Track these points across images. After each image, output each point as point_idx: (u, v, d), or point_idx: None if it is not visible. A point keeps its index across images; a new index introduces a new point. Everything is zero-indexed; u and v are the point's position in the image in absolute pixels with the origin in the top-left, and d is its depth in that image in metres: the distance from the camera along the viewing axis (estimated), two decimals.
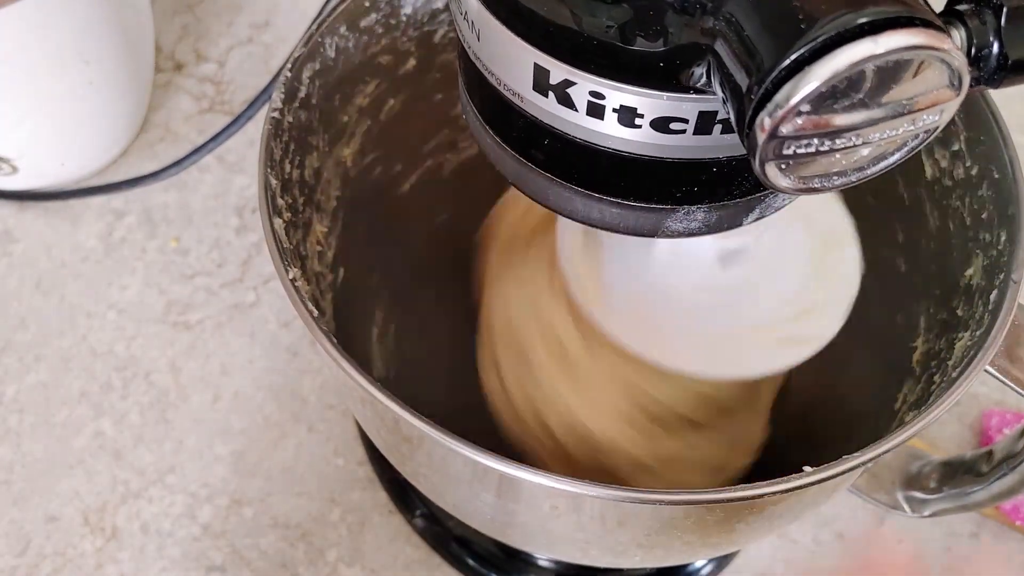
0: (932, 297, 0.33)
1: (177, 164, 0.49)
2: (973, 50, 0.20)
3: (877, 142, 0.19)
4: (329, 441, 0.47)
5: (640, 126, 0.22)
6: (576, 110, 0.22)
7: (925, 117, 0.19)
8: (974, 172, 0.33)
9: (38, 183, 0.53)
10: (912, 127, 0.19)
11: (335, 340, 0.28)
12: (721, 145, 0.22)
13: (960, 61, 0.18)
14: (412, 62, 0.39)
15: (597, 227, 0.26)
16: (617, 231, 0.25)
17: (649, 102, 0.21)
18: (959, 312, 0.32)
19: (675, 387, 0.33)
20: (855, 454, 0.26)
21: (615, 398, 0.34)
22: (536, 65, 0.22)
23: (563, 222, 0.34)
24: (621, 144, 0.22)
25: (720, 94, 0.19)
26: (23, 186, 0.53)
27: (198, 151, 0.48)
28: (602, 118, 0.22)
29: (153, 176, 0.50)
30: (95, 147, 0.53)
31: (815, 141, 0.18)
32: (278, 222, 0.31)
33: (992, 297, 0.30)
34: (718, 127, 0.22)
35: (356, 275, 0.41)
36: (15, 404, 0.47)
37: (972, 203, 0.33)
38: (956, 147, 0.33)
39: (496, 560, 0.44)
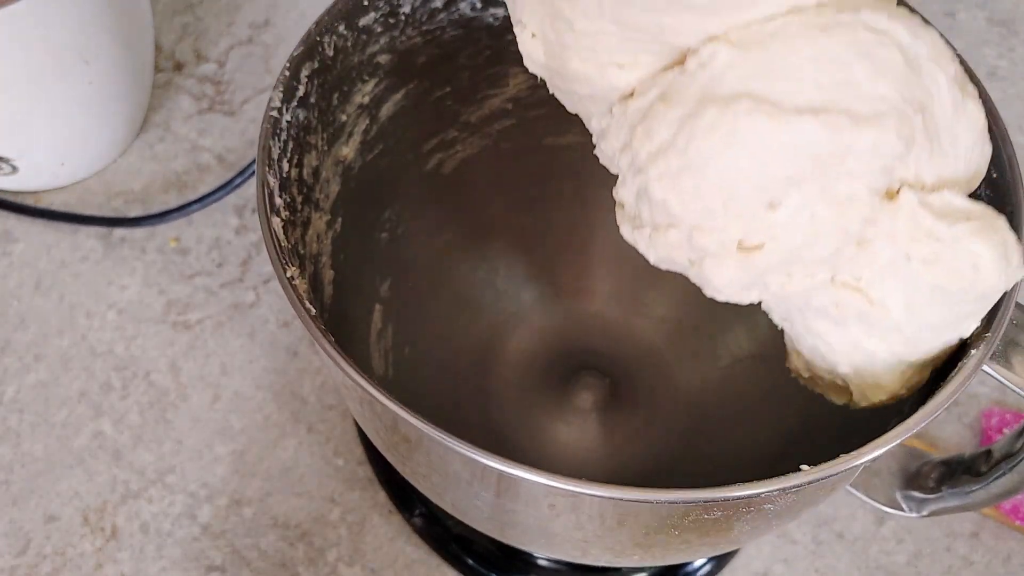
0: None
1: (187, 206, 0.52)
2: None
3: None
4: (329, 441, 0.47)
5: None
6: None
7: None
8: None
9: (38, 183, 0.53)
10: None
11: (333, 339, 0.28)
12: None
13: None
14: (411, 61, 0.39)
15: None
16: None
17: None
18: None
19: None
20: (853, 453, 0.26)
21: None
22: None
23: None
24: None
25: None
26: (23, 186, 0.53)
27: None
28: None
29: (160, 216, 0.52)
30: (95, 147, 0.53)
31: None
32: (276, 221, 0.31)
33: None
34: None
35: (355, 274, 0.41)
36: (15, 404, 0.47)
37: None
38: None
39: (495, 560, 0.44)
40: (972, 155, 0.27)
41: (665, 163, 0.25)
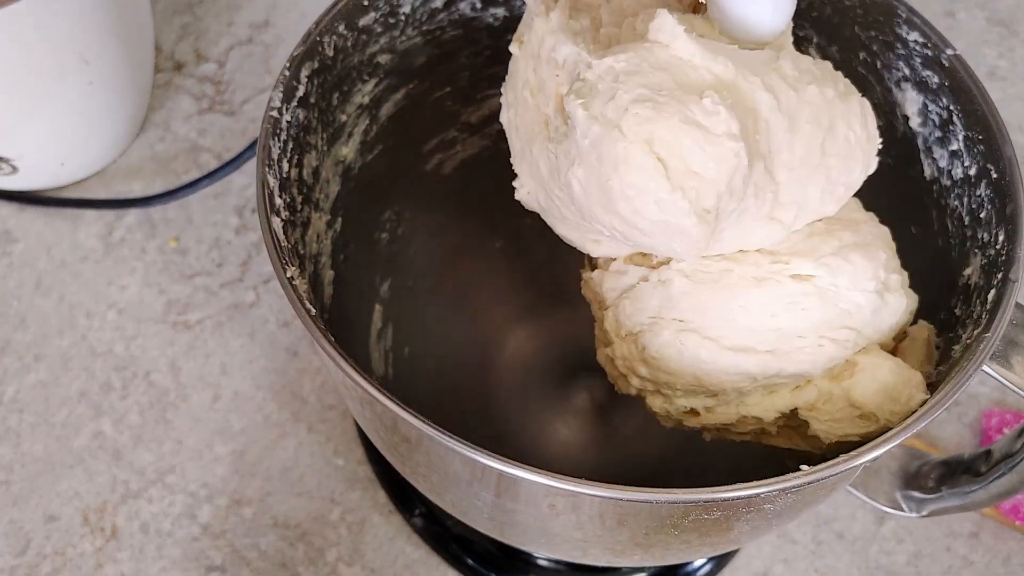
0: (930, 296, 0.33)
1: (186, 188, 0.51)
2: None
3: None
4: (329, 441, 0.47)
5: None
6: None
7: None
8: (972, 172, 0.33)
9: (38, 183, 0.53)
10: None
11: (332, 339, 0.28)
12: None
13: None
14: (411, 61, 0.39)
15: None
16: None
17: None
18: (957, 311, 0.32)
19: None
20: (853, 453, 0.26)
21: None
22: None
23: None
24: None
25: None
26: (23, 186, 0.53)
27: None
28: None
29: (159, 197, 0.52)
30: (95, 147, 0.53)
31: None
32: (276, 221, 0.31)
33: (990, 296, 0.30)
34: None
35: (354, 274, 0.41)
36: (15, 404, 0.47)
37: (971, 203, 0.33)
38: (955, 147, 0.33)
39: (495, 560, 0.44)
40: (896, 325, 0.31)
41: (629, 348, 0.32)
